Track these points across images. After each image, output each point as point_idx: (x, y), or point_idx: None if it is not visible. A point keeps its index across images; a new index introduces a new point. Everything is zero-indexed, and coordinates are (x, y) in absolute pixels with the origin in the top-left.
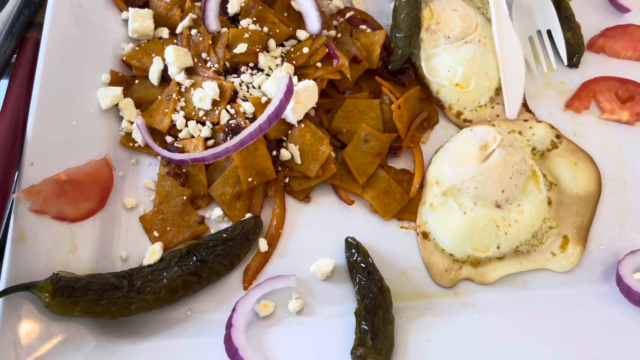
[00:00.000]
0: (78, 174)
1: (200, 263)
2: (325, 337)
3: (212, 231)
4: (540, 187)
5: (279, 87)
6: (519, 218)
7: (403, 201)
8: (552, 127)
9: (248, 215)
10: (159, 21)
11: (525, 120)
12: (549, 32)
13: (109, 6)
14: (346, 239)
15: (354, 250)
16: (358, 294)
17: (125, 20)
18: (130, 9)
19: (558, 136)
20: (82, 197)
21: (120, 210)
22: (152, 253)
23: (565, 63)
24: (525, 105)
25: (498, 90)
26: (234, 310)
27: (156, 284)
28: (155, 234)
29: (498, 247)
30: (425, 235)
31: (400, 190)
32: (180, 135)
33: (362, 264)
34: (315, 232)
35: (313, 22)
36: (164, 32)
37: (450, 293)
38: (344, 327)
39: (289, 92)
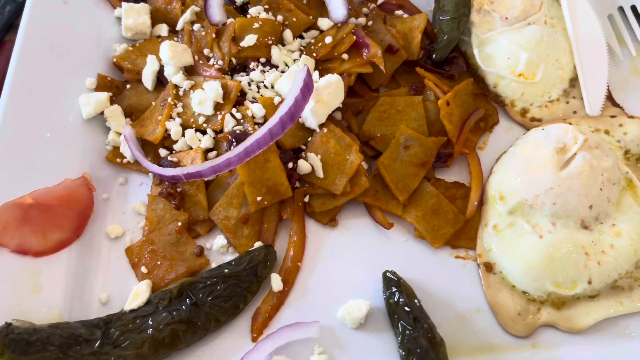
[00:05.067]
0: (48, 196)
1: (194, 307)
2: None
3: (214, 265)
4: None
5: (294, 83)
6: (615, 242)
7: (457, 223)
8: None
9: (258, 244)
10: (157, 17)
11: (613, 117)
12: (633, 8)
13: (101, 3)
14: (384, 274)
15: (394, 289)
16: (401, 348)
17: (119, 19)
18: (123, 3)
19: None
20: (52, 225)
21: (101, 241)
22: (137, 295)
23: None
24: (610, 98)
25: (573, 81)
26: None
27: (138, 334)
28: (144, 269)
29: (589, 282)
30: (488, 267)
31: (454, 209)
32: (176, 147)
33: (406, 307)
34: (344, 265)
35: (337, 7)
36: (163, 30)
37: (527, 345)
38: None
39: (307, 88)
